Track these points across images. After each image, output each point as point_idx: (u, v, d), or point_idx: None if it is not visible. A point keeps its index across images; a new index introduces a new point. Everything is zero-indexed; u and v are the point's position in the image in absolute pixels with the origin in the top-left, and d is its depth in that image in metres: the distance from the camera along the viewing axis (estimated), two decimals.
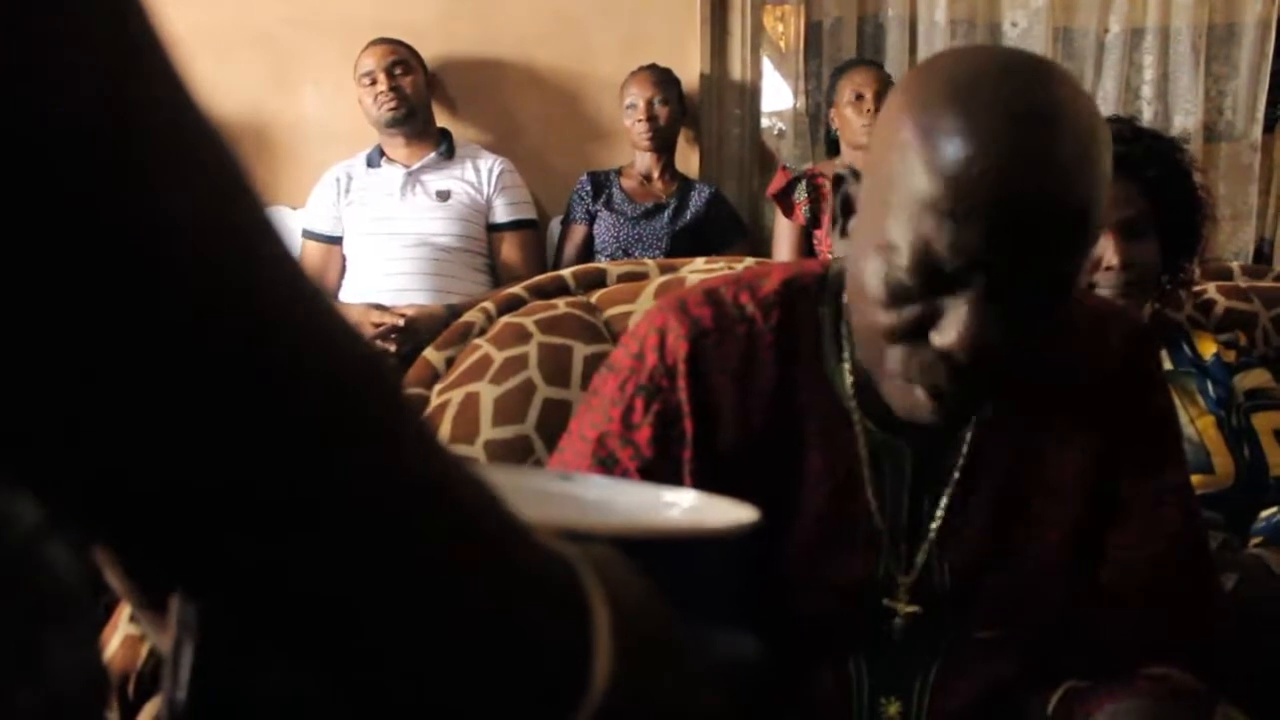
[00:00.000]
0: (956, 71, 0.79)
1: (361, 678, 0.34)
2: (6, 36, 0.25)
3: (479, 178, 3.07)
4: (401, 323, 2.72)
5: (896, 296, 0.81)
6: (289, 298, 0.31)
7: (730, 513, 0.52)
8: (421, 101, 3.08)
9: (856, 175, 0.89)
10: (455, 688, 0.35)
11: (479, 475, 0.36)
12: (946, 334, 0.79)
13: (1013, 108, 0.76)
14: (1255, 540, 1.48)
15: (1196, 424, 1.55)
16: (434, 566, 0.34)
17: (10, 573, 0.34)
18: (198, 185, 0.29)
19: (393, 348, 2.67)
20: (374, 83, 3.03)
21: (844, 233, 0.90)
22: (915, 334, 0.81)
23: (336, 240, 3.03)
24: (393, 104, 3.02)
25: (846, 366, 0.94)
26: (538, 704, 0.36)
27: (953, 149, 0.76)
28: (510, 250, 3.05)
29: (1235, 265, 2.01)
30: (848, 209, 0.90)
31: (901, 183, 0.79)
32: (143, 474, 0.29)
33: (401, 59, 3.06)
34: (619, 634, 0.37)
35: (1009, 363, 0.82)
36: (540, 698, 0.36)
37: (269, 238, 0.31)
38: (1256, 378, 1.63)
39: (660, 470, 0.91)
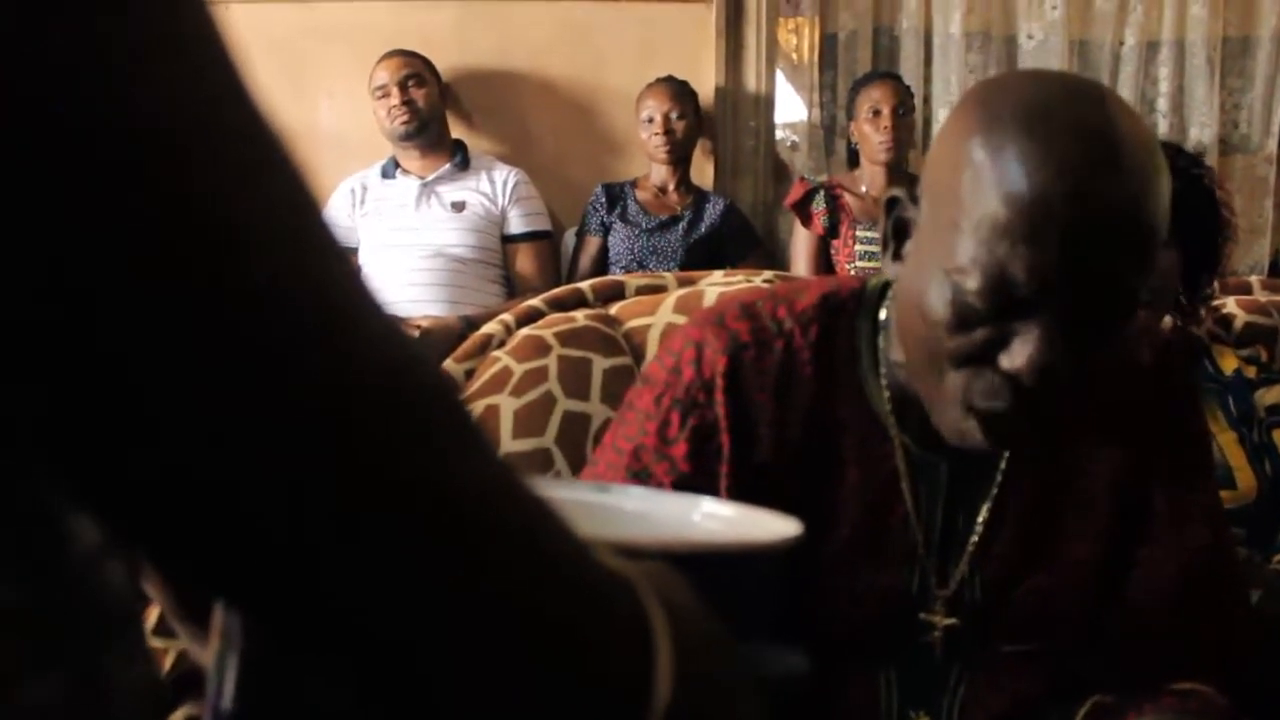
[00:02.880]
0: (1024, 96, 0.80)
1: (415, 697, 0.33)
2: (70, 40, 0.25)
3: (494, 189, 3.08)
4: (416, 335, 2.72)
5: (965, 320, 0.80)
6: (351, 305, 0.30)
7: (773, 526, 0.52)
8: (434, 114, 3.09)
9: (914, 199, 0.88)
10: (514, 710, 0.34)
11: (537, 489, 0.36)
12: (1016, 357, 0.79)
13: (1084, 132, 0.77)
14: (1279, 556, 1.48)
15: (1218, 440, 1.55)
16: (493, 585, 0.33)
17: (74, 590, 0.34)
18: (263, 186, 0.29)
19: None
20: (387, 95, 3.04)
21: (897, 256, 0.89)
22: (980, 358, 0.81)
23: (351, 252, 3.03)
24: (405, 118, 3.02)
25: (884, 382, 0.94)
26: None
27: (1029, 174, 0.77)
28: (525, 261, 3.05)
29: (1255, 279, 2.01)
30: (901, 232, 0.89)
31: (973, 207, 0.79)
32: (189, 481, 0.28)
33: (415, 72, 3.06)
34: (679, 653, 0.37)
35: (1073, 389, 0.82)
36: (605, 714, 0.36)
37: (329, 243, 0.30)
38: (1278, 393, 1.63)
39: (696, 485, 0.90)
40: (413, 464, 0.31)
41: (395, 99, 3.02)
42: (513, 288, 3.04)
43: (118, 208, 0.26)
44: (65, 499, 0.32)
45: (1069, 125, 0.78)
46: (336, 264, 0.31)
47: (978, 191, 0.79)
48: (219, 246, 0.27)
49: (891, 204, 0.90)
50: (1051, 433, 0.90)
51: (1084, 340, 0.80)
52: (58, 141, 0.25)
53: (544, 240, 3.12)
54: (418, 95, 3.04)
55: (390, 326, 0.32)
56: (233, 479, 0.29)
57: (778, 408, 0.93)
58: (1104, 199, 0.77)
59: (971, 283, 0.79)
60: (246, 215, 0.28)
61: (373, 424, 0.30)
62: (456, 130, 3.25)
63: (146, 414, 0.27)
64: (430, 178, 3.05)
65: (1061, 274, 0.77)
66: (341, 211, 3.05)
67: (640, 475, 0.92)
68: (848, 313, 0.96)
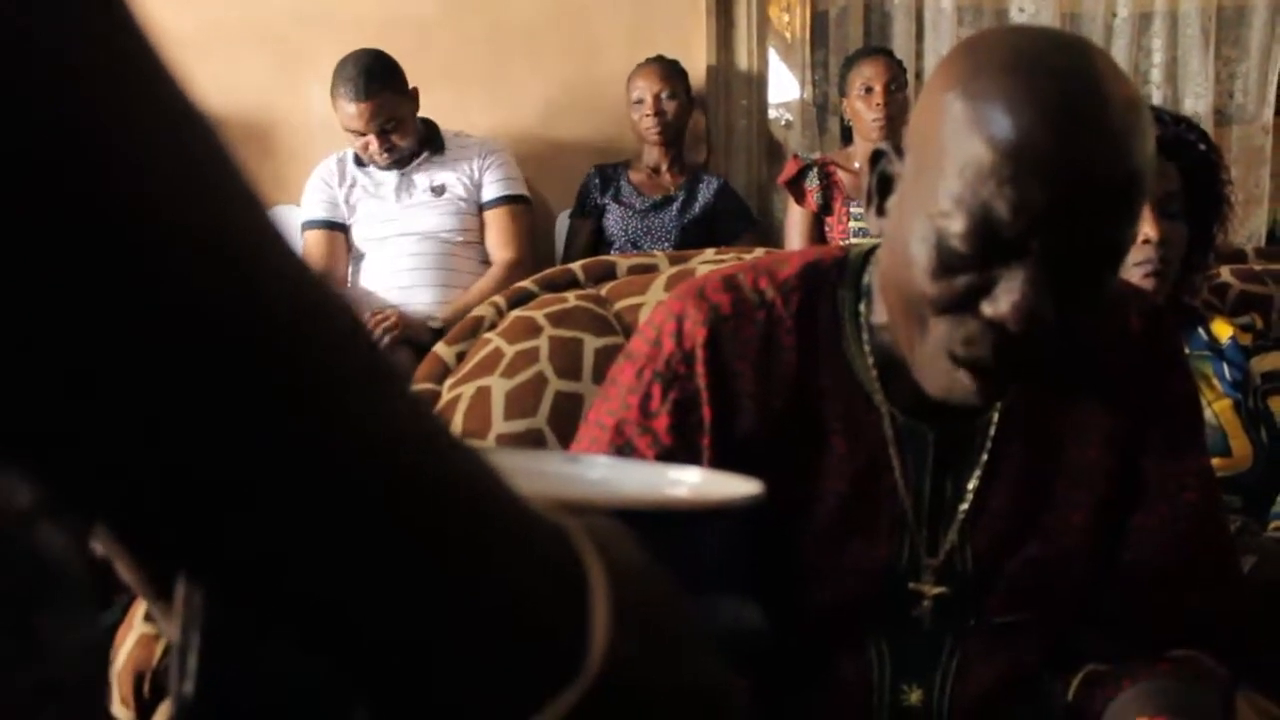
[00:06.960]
0: (1006, 45, 0.81)
1: (349, 653, 0.33)
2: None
3: (470, 167, 3.03)
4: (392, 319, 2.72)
5: (948, 265, 0.80)
6: (281, 287, 0.31)
7: (735, 487, 0.51)
8: (411, 141, 2.98)
9: (898, 152, 0.88)
10: (449, 659, 0.34)
11: (472, 448, 0.36)
12: (1000, 303, 0.79)
13: (1066, 76, 0.78)
14: (1274, 524, 1.48)
15: (1213, 407, 1.54)
16: (415, 531, 0.33)
17: (2, 546, 0.34)
18: (188, 180, 0.29)
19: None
20: (363, 135, 2.93)
21: (881, 211, 0.89)
22: (963, 305, 0.81)
23: (342, 229, 2.99)
24: (386, 158, 2.94)
25: (868, 350, 0.94)
26: (534, 673, 0.35)
27: (1011, 116, 0.77)
28: (494, 228, 2.97)
29: (1249, 248, 2.00)
30: (885, 187, 0.89)
31: (957, 151, 0.79)
32: (132, 461, 0.29)
33: (389, 116, 2.91)
34: (617, 601, 0.36)
35: (1056, 339, 0.82)
36: (537, 666, 0.35)
37: (266, 232, 0.31)
38: (1273, 360, 1.62)
39: (679, 458, 0.90)
40: (325, 408, 0.31)
41: (375, 146, 2.92)
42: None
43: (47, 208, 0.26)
44: None
45: (1053, 71, 0.78)
46: (293, 266, 0.31)
47: (961, 135, 0.79)
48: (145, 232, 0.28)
49: (876, 159, 0.90)
50: (1032, 381, 0.89)
51: (1066, 288, 0.80)
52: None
53: (517, 204, 3.01)
54: (394, 138, 2.94)
55: (336, 306, 0.32)
56: (174, 456, 0.29)
57: (760, 378, 0.92)
58: (1088, 141, 0.77)
59: (955, 225, 0.79)
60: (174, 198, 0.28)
61: (287, 369, 0.30)
62: (449, 113, 3.19)
63: (76, 400, 0.28)
64: (407, 168, 3.00)
65: (1046, 215, 0.77)
66: (322, 189, 3.00)
67: (623, 449, 0.91)
68: (830, 282, 0.95)
